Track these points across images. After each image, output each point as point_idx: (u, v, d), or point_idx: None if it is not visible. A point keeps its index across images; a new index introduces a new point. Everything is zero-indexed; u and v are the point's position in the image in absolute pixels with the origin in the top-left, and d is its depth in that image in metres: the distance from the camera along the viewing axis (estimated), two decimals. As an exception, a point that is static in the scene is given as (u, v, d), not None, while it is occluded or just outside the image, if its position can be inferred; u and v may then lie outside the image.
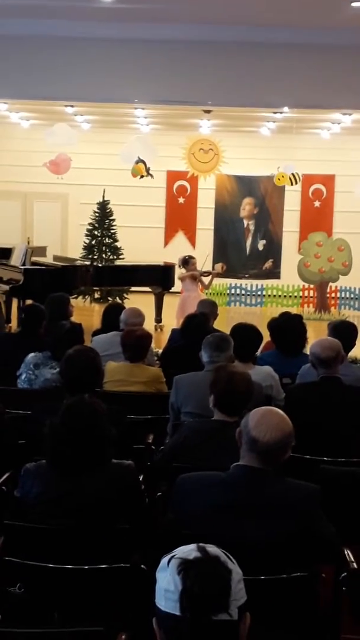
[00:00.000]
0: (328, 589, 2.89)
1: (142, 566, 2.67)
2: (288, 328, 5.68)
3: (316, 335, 5.85)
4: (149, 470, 3.77)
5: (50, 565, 2.73)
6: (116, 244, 15.06)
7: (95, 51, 9.87)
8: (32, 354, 4.98)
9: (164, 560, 1.63)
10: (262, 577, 2.61)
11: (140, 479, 3.44)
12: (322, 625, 2.70)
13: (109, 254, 14.96)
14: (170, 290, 11.95)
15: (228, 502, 2.70)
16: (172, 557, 1.61)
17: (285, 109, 11.67)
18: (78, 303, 13.30)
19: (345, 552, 2.92)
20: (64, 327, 5.05)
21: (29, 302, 10.23)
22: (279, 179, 13.91)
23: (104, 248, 15.01)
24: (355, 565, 2.85)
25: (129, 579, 2.69)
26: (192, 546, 1.64)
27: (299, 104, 10.91)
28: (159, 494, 3.52)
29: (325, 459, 3.81)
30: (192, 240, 16.75)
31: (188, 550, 1.63)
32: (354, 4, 8.22)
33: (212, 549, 1.64)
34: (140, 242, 15.35)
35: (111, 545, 2.82)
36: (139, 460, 3.54)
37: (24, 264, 10.84)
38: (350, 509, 3.36)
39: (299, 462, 3.78)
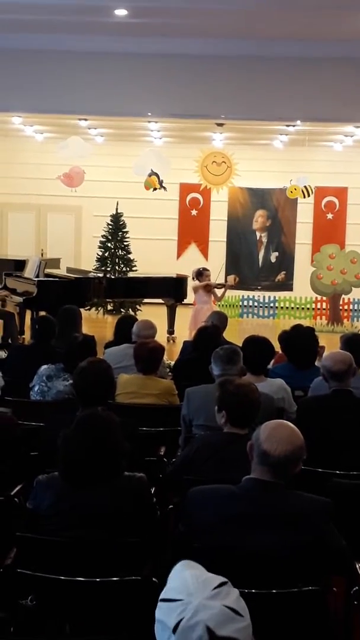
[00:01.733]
0: (339, 603, 2.87)
1: (154, 579, 2.68)
2: (299, 341, 5.67)
3: (329, 347, 5.83)
4: (160, 482, 3.78)
5: (62, 577, 2.74)
6: (129, 255, 15.11)
7: (109, 65, 9.96)
8: (44, 366, 5.00)
9: (170, 620, 1.55)
10: (274, 591, 2.61)
11: (152, 492, 3.44)
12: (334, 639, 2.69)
13: (122, 265, 15.01)
14: (183, 302, 11.97)
15: (239, 515, 2.70)
16: (179, 622, 1.54)
17: (298, 122, 11.70)
18: (91, 315, 13.36)
19: (357, 566, 2.91)
20: (77, 340, 5.07)
21: (42, 313, 10.31)
22: (291, 192, 13.94)
23: (117, 260, 15.06)
24: (366, 579, 2.84)
25: (140, 591, 2.69)
26: (199, 626, 1.52)
27: (312, 118, 10.94)
28: (170, 506, 3.53)
29: (337, 472, 3.81)
30: (204, 252, 16.78)
31: (194, 625, 1.52)
32: (366, 17, 8.24)
33: (222, 630, 1.53)
34: (153, 254, 15.40)
35: (123, 558, 2.82)
36: (150, 472, 3.54)
37: (37, 276, 10.89)
38: (362, 523, 3.35)
39: (311, 475, 3.78)
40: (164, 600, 1.60)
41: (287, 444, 2.74)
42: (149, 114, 11.22)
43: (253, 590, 2.60)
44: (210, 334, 5.80)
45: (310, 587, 2.60)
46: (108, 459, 2.89)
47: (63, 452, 2.90)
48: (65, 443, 2.91)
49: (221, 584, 1.60)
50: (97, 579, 2.75)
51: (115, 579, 2.75)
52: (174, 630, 1.54)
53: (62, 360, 4.96)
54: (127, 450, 2.98)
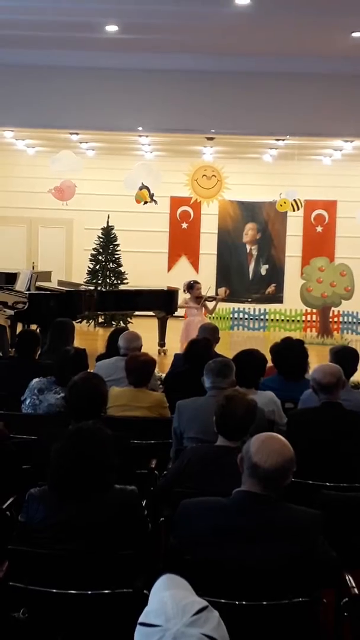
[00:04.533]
0: (330, 614, 2.90)
1: (145, 591, 2.69)
2: (289, 353, 5.70)
3: (319, 359, 5.88)
4: (152, 495, 3.79)
5: (54, 590, 2.75)
6: (120, 268, 15.14)
7: (100, 81, 10.04)
8: (36, 379, 5.01)
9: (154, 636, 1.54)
10: (264, 603, 2.63)
11: (144, 504, 3.46)
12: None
13: (112, 278, 15.04)
14: (174, 315, 12.01)
15: (230, 528, 2.71)
16: None
17: (287, 136, 11.79)
18: (82, 327, 13.36)
19: (347, 577, 2.93)
20: (69, 353, 5.09)
21: (33, 326, 10.32)
22: (281, 205, 14.03)
23: (108, 273, 15.09)
24: (356, 590, 2.86)
25: (132, 604, 2.70)
26: None
27: (301, 132, 11.04)
28: (162, 519, 3.54)
29: (327, 484, 3.83)
30: (195, 265, 16.84)
31: None
32: (354, 34, 8.35)
33: None
34: (144, 266, 15.46)
35: (115, 570, 2.83)
36: (142, 485, 3.56)
37: (28, 289, 10.90)
38: (352, 535, 3.38)
39: (301, 487, 3.80)
40: (143, 624, 1.57)
41: (277, 456, 2.76)
42: (140, 128, 11.29)
43: (244, 602, 2.62)
44: (201, 347, 5.83)
45: (300, 599, 2.62)
46: (97, 472, 2.90)
47: (53, 465, 2.92)
48: (55, 456, 2.93)
49: (201, 610, 1.55)
50: (89, 592, 2.76)
51: (107, 591, 2.77)
52: None
53: (53, 373, 4.98)
54: (116, 464, 3.00)
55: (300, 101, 9.97)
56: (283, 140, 12.44)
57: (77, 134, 12.84)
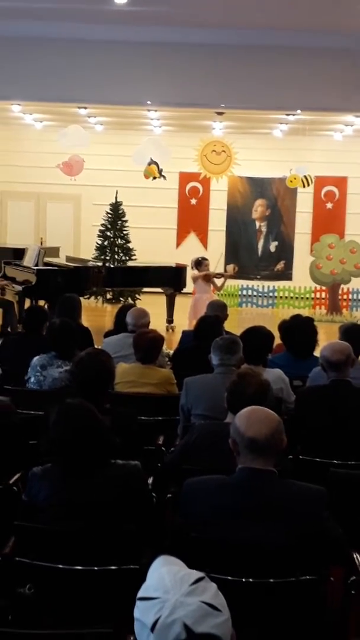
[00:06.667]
0: (337, 593, 2.88)
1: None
2: (299, 330, 5.67)
3: (328, 337, 5.84)
4: (159, 471, 3.79)
5: (60, 566, 2.75)
6: (128, 244, 15.08)
7: (109, 54, 9.92)
8: (37, 357, 5.03)
9: (148, 619, 1.54)
10: (271, 581, 2.62)
11: (150, 480, 3.45)
12: (331, 629, 2.71)
13: (121, 254, 14.99)
14: (182, 292, 11.96)
15: (234, 505, 2.70)
16: (157, 620, 1.53)
17: (298, 111, 11.66)
18: (90, 304, 13.35)
19: (355, 556, 2.92)
20: (55, 325, 5.09)
21: (41, 302, 10.31)
22: (291, 181, 13.92)
23: (116, 249, 15.04)
24: (364, 569, 2.85)
25: (138, 580, 2.69)
26: (177, 624, 1.52)
27: (312, 107, 10.92)
28: (168, 495, 3.53)
29: (334, 461, 3.82)
30: (204, 241, 16.76)
31: (172, 623, 1.52)
32: (366, 7, 8.21)
33: (200, 626, 1.52)
34: (153, 243, 15.38)
35: (120, 547, 2.83)
36: (149, 461, 3.55)
37: (36, 265, 10.88)
38: (360, 513, 3.36)
39: (309, 465, 3.79)
40: (142, 598, 1.59)
41: (268, 423, 2.77)
42: (149, 102, 11.19)
43: (250, 580, 2.61)
44: (211, 324, 5.79)
45: (307, 577, 2.61)
46: (93, 444, 2.90)
47: (50, 441, 2.94)
48: (51, 432, 2.95)
49: (198, 580, 1.58)
50: (95, 568, 2.76)
51: (113, 567, 2.76)
52: (152, 628, 1.53)
53: (54, 348, 4.99)
54: (113, 437, 3.02)
55: (311, 75, 9.84)
56: (293, 115, 12.30)
57: (85, 108, 12.73)
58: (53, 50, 9.93)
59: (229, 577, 2.49)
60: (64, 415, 2.96)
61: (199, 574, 1.61)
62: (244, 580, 2.60)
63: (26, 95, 10.83)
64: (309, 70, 9.84)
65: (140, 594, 1.61)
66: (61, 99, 10.95)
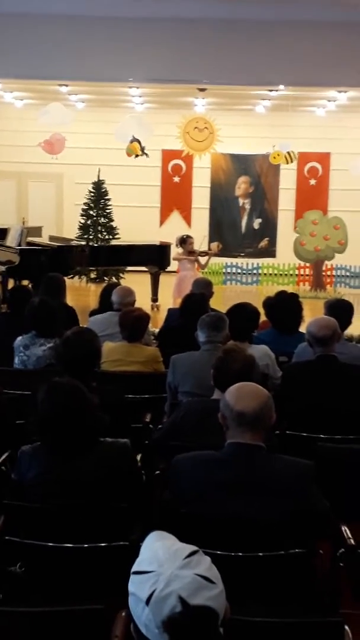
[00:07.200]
0: (326, 565, 2.91)
1: (141, 544, 2.69)
2: (284, 306, 5.68)
3: (312, 313, 5.84)
4: (147, 448, 3.79)
5: (50, 544, 2.75)
6: (112, 223, 15.01)
7: (89, 30, 9.78)
8: (19, 338, 5.04)
9: (143, 592, 1.55)
10: (261, 554, 2.64)
11: (138, 458, 3.46)
12: (321, 602, 2.73)
13: (104, 233, 14.93)
14: (167, 270, 11.94)
15: (224, 480, 2.72)
16: (152, 594, 1.54)
17: (281, 86, 11.59)
18: (74, 283, 13.29)
19: (342, 528, 2.94)
20: (33, 304, 5.09)
21: (24, 282, 10.25)
22: (274, 158, 13.85)
23: (99, 228, 14.97)
24: (352, 541, 2.88)
25: (128, 557, 2.70)
26: (172, 597, 1.53)
27: (295, 82, 10.83)
28: (157, 472, 3.54)
29: (322, 436, 3.84)
30: (187, 219, 16.70)
31: (167, 596, 1.53)
32: (349, -20, 8.15)
33: (195, 599, 1.53)
34: (136, 221, 15.31)
35: (110, 524, 2.84)
36: (137, 439, 3.55)
37: (19, 245, 10.81)
38: (348, 486, 3.39)
39: (296, 440, 3.82)
40: (136, 572, 1.61)
41: (257, 397, 2.80)
42: (130, 79, 11.06)
43: (240, 554, 2.63)
44: (196, 301, 5.79)
45: (296, 550, 2.63)
46: (81, 421, 2.90)
47: (39, 419, 2.93)
48: (40, 410, 2.95)
49: (192, 553, 1.60)
50: (85, 545, 2.76)
51: (102, 544, 2.77)
52: (147, 601, 1.55)
53: (34, 327, 4.97)
54: (98, 412, 3.02)
55: (294, 50, 9.75)
56: (276, 91, 12.22)
57: (66, 85, 12.58)
58: (32, 26, 9.78)
59: (219, 552, 2.51)
60: (52, 394, 2.95)
61: (193, 548, 1.63)
62: (233, 554, 2.61)
63: (5, 72, 10.67)
64: (291, 45, 9.75)
65: (134, 568, 1.63)
66: (41, 77, 10.79)
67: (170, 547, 1.62)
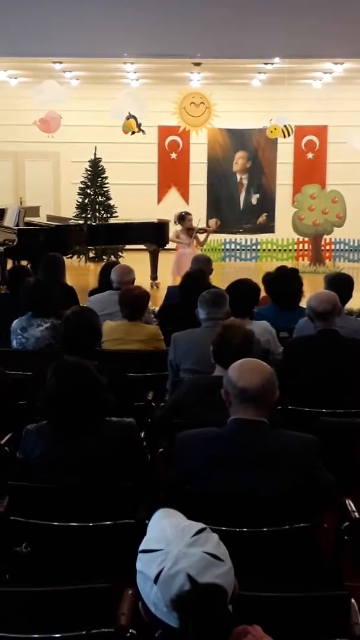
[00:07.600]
0: (330, 539, 2.93)
1: (147, 522, 2.70)
2: (284, 282, 5.67)
3: (312, 288, 5.81)
4: (150, 427, 3.80)
5: (55, 523, 2.76)
6: (109, 202, 14.95)
7: (83, 5, 9.66)
8: (15, 321, 5.00)
9: (151, 571, 1.55)
10: (265, 530, 2.65)
11: (142, 436, 3.46)
12: (325, 575, 2.75)
13: (102, 212, 14.86)
14: (165, 247, 11.90)
15: (227, 456, 2.72)
16: (160, 572, 1.54)
17: (276, 59, 11.48)
18: (73, 263, 13.26)
19: (347, 502, 2.95)
20: (28, 284, 5.06)
21: (23, 262, 10.22)
22: (271, 131, 13.77)
23: (97, 206, 14.90)
24: (357, 514, 2.89)
25: (134, 535, 2.72)
26: (181, 575, 1.53)
27: (290, 54, 10.74)
28: (160, 450, 3.55)
29: (323, 410, 3.84)
30: (185, 196, 16.62)
31: (176, 574, 1.53)
32: None
33: (203, 577, 1.53)
34: (134, 199, 15.23)
35: (115, 502, 2.85)
36: (139, 417, 3.56)
37: (17, 225, 10.77)
38: (350, 460, 3.40)
39: (299, 415, 3.82)
40: (144, 551, 1.60)
41: (260, 373, 2.78)
42: (125, 54, 10.97)
43: (245, 529, 2.64)
44: (196, 278, 5.77)
45: (301, 525, 2.64)
46: (90, 400, 2.90)
47: (48, 398, 2.92)
48: (48, 389, 2.93)
49: (200, 531, 1.60)
50: (91, 524, 2.77)
51: (108, 523, 2.78)
52: (156, 580, 1.54)
53: (29, 308, 4.95)
54: (108, 393, 3.01)
55: (290, 22, 9.63)
56: (272, 64, 12.11)
57: (60, 62, 12.47)
58: (26, 3, 9.66)
59: (224, 528, 2.51)
60: (62, 372, 2.95)
61: (200, 525, 1.62)
62: (238, 530, 2.62)
63: (-1, 50, 10.57)
64: (287, 17, 9.63)
65: (142, 546, 1.62)
66: (35, 54, 10.70)
67: (178, 525, 1.62)
